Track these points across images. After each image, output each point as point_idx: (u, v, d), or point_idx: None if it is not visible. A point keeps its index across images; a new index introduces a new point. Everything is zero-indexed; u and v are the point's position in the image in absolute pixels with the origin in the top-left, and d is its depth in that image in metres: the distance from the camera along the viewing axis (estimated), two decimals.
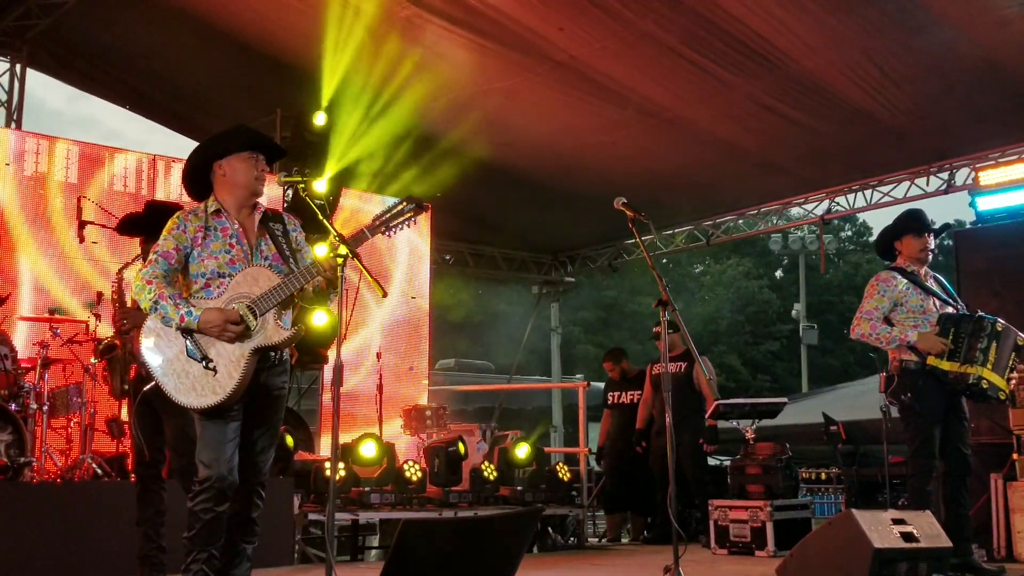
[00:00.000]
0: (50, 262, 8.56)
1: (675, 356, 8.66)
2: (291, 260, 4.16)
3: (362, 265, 4.05)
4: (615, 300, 31.85)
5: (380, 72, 9.38)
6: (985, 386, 5.47)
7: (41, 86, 30.18)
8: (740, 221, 12.49)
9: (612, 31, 8.14)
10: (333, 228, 4.23)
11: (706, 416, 8.35)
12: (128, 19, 9.36)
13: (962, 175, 10.21)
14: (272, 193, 8.91)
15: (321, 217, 4.46)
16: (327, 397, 10.00)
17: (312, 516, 7.13)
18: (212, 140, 4.29)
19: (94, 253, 8.65)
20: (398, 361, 10.48)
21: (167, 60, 10.03)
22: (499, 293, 28.29)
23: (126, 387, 5.34)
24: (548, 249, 14.25)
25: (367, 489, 7.44)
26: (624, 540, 9.63)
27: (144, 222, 5.46)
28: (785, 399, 9.27)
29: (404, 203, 4.19)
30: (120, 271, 5.58)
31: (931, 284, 5.84)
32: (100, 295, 7.50)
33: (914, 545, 4.69)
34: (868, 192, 11.00)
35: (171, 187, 9.30)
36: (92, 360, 7.28)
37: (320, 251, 5.09)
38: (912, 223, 5.93)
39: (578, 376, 21.34)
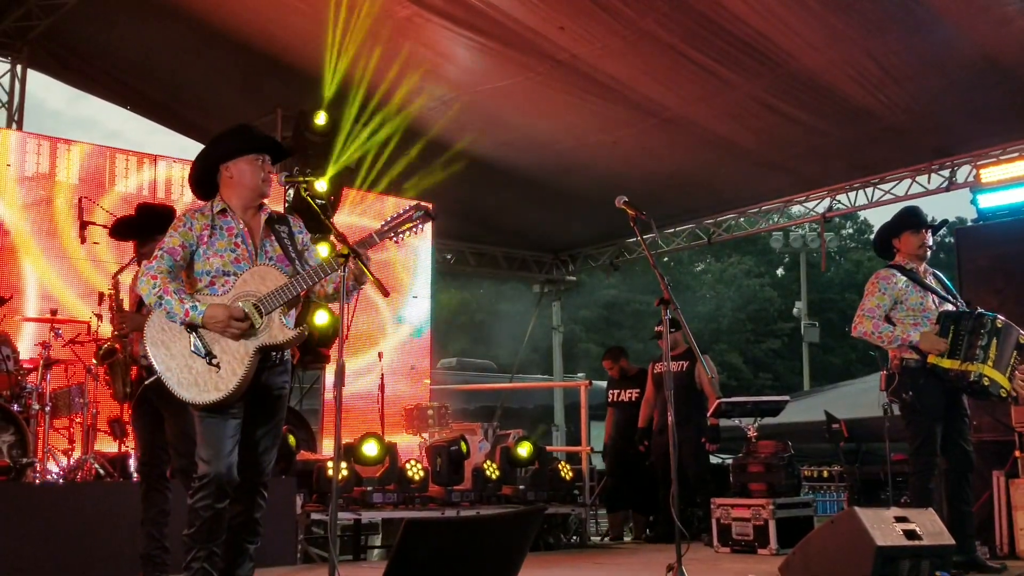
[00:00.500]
0: (52, 263, 8.56)
1: (677, 355, 8.66)
2: (296, 261, 4.17)
3: (365, 265, 4.06)
4: (616, 299, 31.85)
5: (380, 71, 9.38)
6: (986, 383, 5.46)
7: (41, 87, 30.20)
8: (741, 219, 12.49)
9: (613, 30, 8.14)
10: (334, 227, 4.25)
11: (708, 414, 8.35)
12: (128, 19, 9.37)
13: (963, 172, 10.21)
14: (273, 192, 8.90)
15: (323, 216, 4.47)
16: (329, 396, 10.01)
17: (314, 516, 7.14)
18: (218, 141, 4.29)
19: (96, 254, 8.66)
20: (400, 360, 10.49)
21: (167, 60, 10.03)
22: (500, 292, 28.31)
23: (128, 390, 5.35)
24: (549, 248, 14.26)
25: (369, 488, 7.44)
26: (626, 539, 9.63)
27: (136, 224, 5.46)
28: (787, 397, 9.28)
29: (413, 209, 4.20)
30: (116, 275, 5.58)
31: (930, 281, 5.84)
32: (102, 295, 7.51)
33: (917, 543, 4.70)
34: (869, 190, 10.99)
35: (172, 187, 9.32)
36: (94, 361, 7.30)
37: (322, 251, 5.12)
38: (910, 220, 5.93)
39: (580, 375, 21.34)
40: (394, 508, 7.54)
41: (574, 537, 8.97)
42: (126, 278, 5.65)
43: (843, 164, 10.54)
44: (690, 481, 8.33)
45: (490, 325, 26.00)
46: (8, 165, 8.43)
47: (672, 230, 12.92)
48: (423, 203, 4.28)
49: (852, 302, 32.92)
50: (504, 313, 27.18)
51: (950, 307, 5.73)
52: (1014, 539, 6.73)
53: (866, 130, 9.50)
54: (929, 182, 10.50)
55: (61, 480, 6.79)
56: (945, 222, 6.27)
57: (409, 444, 9.17)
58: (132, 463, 7.26)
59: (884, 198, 10.93)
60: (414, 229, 4.20)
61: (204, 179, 4.26)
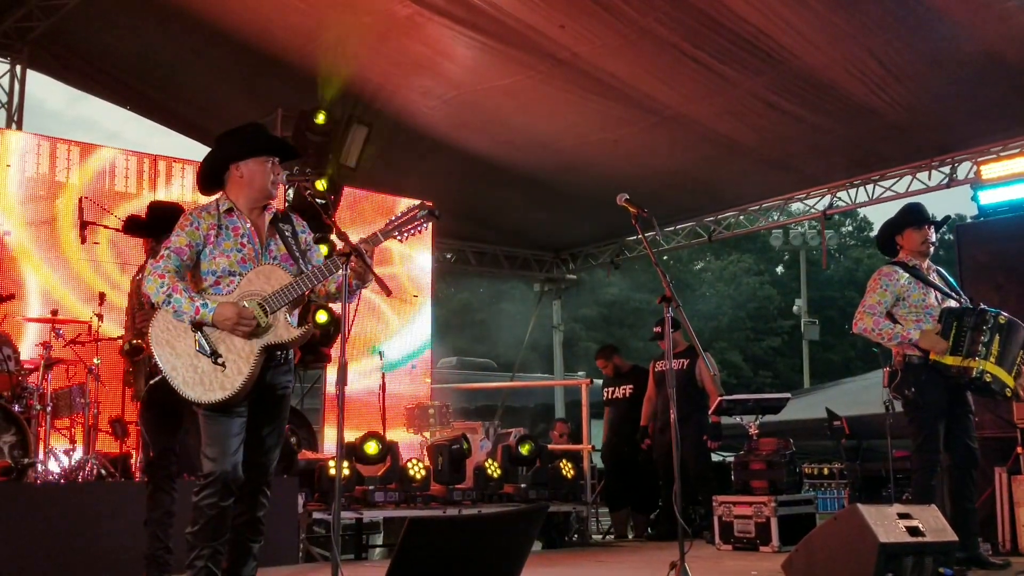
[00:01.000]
0: (52, 263, 8.56)
1: (678, 353, 8.66)
2: (300, 260, 4.19)
3: (367, 264, 4.06)
4: (617, 297, 31.86)
5: (381, 70, 9.38)
6: (988, 379, 5.45)
7: (40, 88, 30.18)
8: (742, 217, 12.49)
9: (614, 28, 8.13)
10: (336, 226, 4.25)
11: (709, 412, 8.36)
12: (128, 20, 9.36)
13: (964, 169, 10.20)
14: None
15: (324, 215, 4.48)
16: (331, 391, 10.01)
17: (316, 515, 7.14)
18: (231, 139, 4.28)
19: (96, 254, 8.66)
20: (400, 359, 10.49)
21: (167, 60, 10.02)
22: (501, 291, 28.31)
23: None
24: (550, 247, 14.25)
25: (371, 488, 7.44)
26: (629, 536, 9.63)
27: (148, 223, 5.47)
28: (788, 394, 9.28)
29: (417, 209, 4.20)
30: (137, 274, 5.57)
31: (934, 278, 5.83)
32: (103, 296, 7.51)
33: (920, 539, 4.69)
34: (870, 187, 10.99)
35: (172, 187, 9.31)
36: (95, 360, 7.30)
37: (323, 249, 5.11)
38: (912, 216, 5.92)
39: (580, 373, 21.35)
40: (396, 507, 7.54)
41: (575, 535, 8.97)
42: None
43: (844, 161, 10.54)
44: (692, 479, 8.34)
45: (491, 324, 26.01)
46: (8, 166, 8.42)
47: (672, 228, 12.91)
48: (426, 202, 4.27)
49: (852, 299, 32.95)
50: (505, 312, 27.19)
51: (953, 304, 5.72)
52: (1016, 535, 6.73)
53: (867, 127, 9.49)
54: (930, 179, 10.49)
55: (62, 480, 6.78)
56: (948, 218, 6.25)
57: (410, 443, 9.17)
58: (134, 463, 7.27)
59: (885, 195, 10.92)
60: (418, 228, 4.20)
61: (212, 176, 4.27)
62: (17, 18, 9.36)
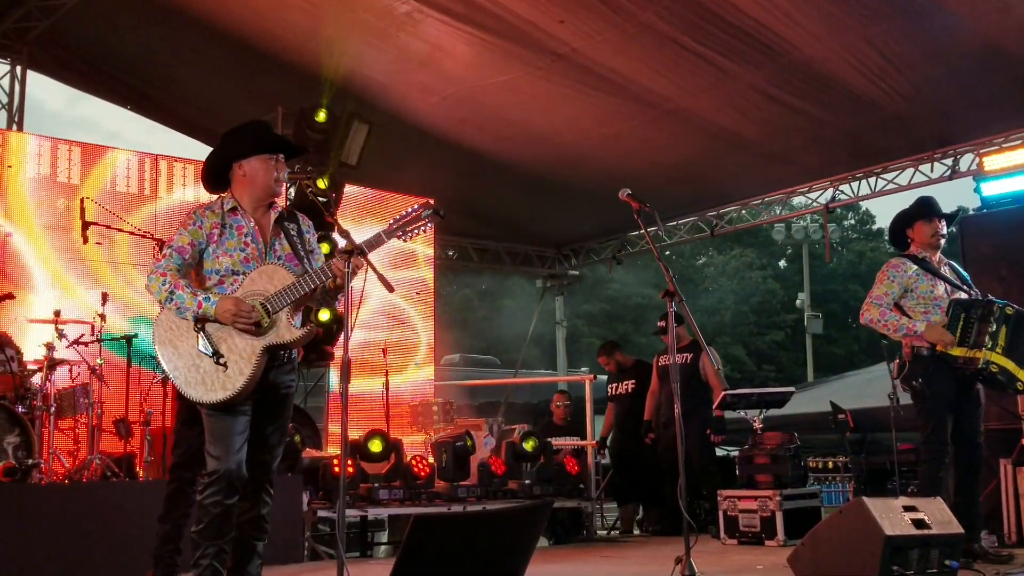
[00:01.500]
0: (55, 264, 8.56)
1: (681, 347, 8.66)
2: (305, 260, 4.17)
3: (369, 262, 4.05)
4: (619, 293, 31.87)
5: (381, 67, 9.37)
6: (995, 370, 5.44)
7: (40, 88, 30.20)
8: (744, 211, 12.47)
9: (613, 23, 8.11)
10: (338, 224, 4.24)
11: (713, 407, 8.35)
12: (128, 20, 9.35)
13: (966, 161, 10.17)
14: None
15: (326, 214, 4.47)
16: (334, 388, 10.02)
17: (321, 513, 7.14)
18: (232, 138, 4.28)
19: (98, 254, 8.65)
20: (403, 357, 10.49)
21: (167, 60, 10.01)
22: (503, 288, 28.31)
23: None
24: (552, 243, 14.24)
25: (375, 485, 7.45)
26: (635, 532, 9.64)
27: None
28: (792, 388, 9.27)
29: (421, 208, 4.19)
30: None
31: (945, 271, 5.82)
32: (105, 296, 7.51)
33: (925, 532, 4.68)
34: (872, 180, 10.96)
35: (173, 187, 9.31)
36: (98, 361, 7.30)
37: (325, 248, 5.12)
38: (922, 209, 5.92)
39: (583, 369, 21.33)
40: (400, 504, 7.54)
41: (581, 531, 8.97)
42: None
43: (845, 154, 10.52)
44: (696, 473, 8.33)
45: (493, 320, 26.01)
46: (9, 167, 8.42)
47: (674, 223, 12.90)
48: (430, 201, 4.26)
49: (855, 293, 32.98)
50: (507, 308, 27.19)
51: (963, 296, 5.71)
52: (1021, 527, 6.72)
53: (868, 119, 9.47)
54: (932, 171, 10.47)
55: (67, 481, 6.79)
56: (959, 212, 6.24)
57: (414, 440, 9.17)
58: (138, 463, 7.28)
59: (887, 188, 10.90)
60: (422, 228, 4.19)
61: (216, 174, 4.27)
62: (16, 18, 9.35)
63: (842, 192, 11.33)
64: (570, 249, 14.40)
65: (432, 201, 4.29)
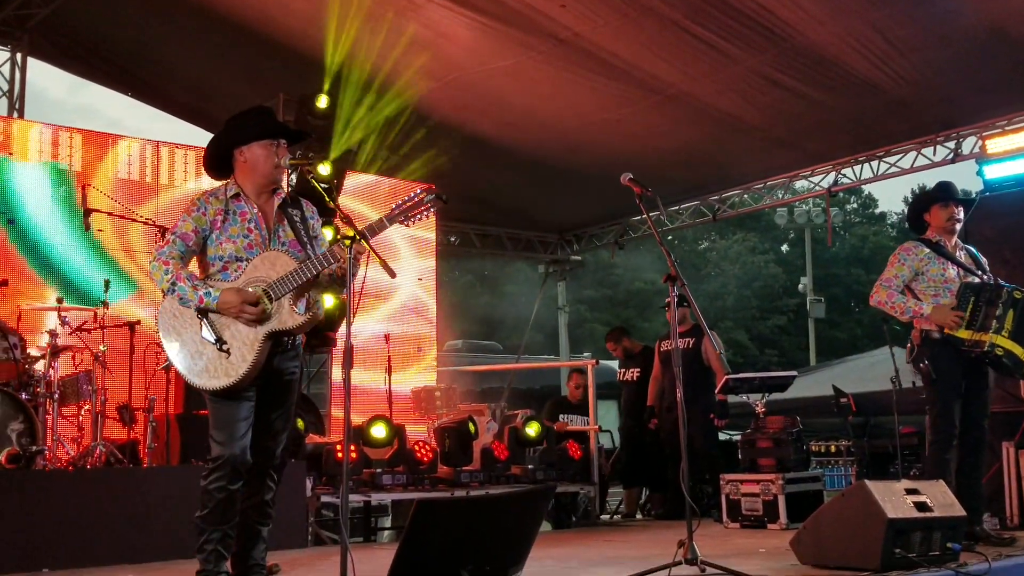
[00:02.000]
0: (57, 251, 8.56)
1: (683, 332, 8.66)
2: (308, 246, 4.17)
3: (371, 247, 4.05)
4: (621, 278, 31.85)
5: (382, 53, 9.34)
6: (1000, 353, 5.47)
7: (41, 76, 30.15)
8: (746, 195, 12.45)
9: (615, 7, 8.08)
10: (340, 210, 4.24)
11: (716, 391, 8.36)
12: (129, 6, 9.33)
13: (969, 144, 10.16)
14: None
15: (328, 199, 4.46)
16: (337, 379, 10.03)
17: (325, 498, 7.15)
18: (234, 124, 4.27)
19: (100, 241, 8.65)
20: (406, 343, 10.49)
21: (168, 46, 9.99)
22: (505, 273, 28.30)
23: None
24: (554, 228, 14.23)
25: (378, 470, 7.46)
26: (638, 516, 9.66)
27: None
28: (795, 372, 9.28)
29: (424, 193, 4.18)
30: None
31: (960, 256, 5.85)
32: (107, 283, 7.51)
33: (928, 515, 4.69)
34: (875, 163, 10.95)
35: (175, 174, 9.30)
36: (101, 347, 7.31)
37: (327, 234, 5.12)
38: (938, 193, 5.95)
39: (586, 354, 21.34)
40: (403, 490, 7.56)
41: (584, 515, 9.00)
42: None
43: (848, 138, 10.50)
44: (699, 457, 8.34)
45: (496, 306, 26.01)
46: (11, 154, 8.42)
47: (677, 207, 12.89)
48: (432, 186, 4.25)
49: (858, 277, 32.98)
50: (509, 294, 27.19)
51: (975, 280, 5.72)
52: None
53: (871, 103, 9.44)
54: (935, 154, 10.45)
55: (71, 467, 6.80)
56: (977, 197, 6.23)
57: (417, 426, 9.19)
58: (142, 449, 7.30)
59: (890, 171, 10.89)
60: (424, 213, 4.19)
61: (218, 160, 4.26)
62: (17, 5, 9.33)
63: (844, 176, 11.31)
64: (572, 234, 14.39)
65: (434, 187, 4.28)
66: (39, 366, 7.00)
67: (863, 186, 15.04)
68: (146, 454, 7.20)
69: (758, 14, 8.00)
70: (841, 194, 11.92)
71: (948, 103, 9.54)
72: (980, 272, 5.82)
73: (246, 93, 9.93)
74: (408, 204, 4.18)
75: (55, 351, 7.05)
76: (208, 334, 3.94)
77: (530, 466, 8.40)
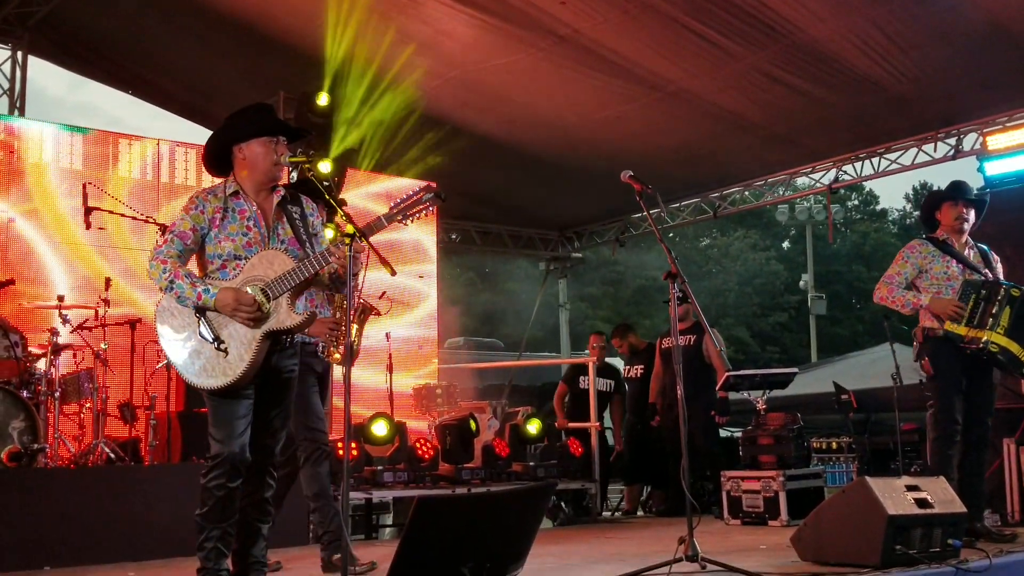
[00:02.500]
0: (58, 249, 8.57)
1: (684, 329, 8.65)
2: (307, 244, 4.16)
3: (371, 245, 4.05)
4: (622, 275, 31.83)
5: (382, 51, 9.33)
6: (995, 350, 5.50)
7: (41, 74, 30.10)
8: (747, 192, 12.44)
9: (615, 4, 8.08)
10: (341, 208, 4.23)
11: (717, 388, 8.36)
12: (128, 4, 9.32)
13: (969, 140, 10.15)
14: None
15: (328, 197, 4.46)
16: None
17: None
18: (233, 121, 4.26)
19: (101, 239, 8.66)
20: (407, 340, 10.49)
21: (168, 44, 9.99)
22: (506, 271, 28.30)
23: None
24: (555, 225, 14.23)
25: (379, 468, 7.46)
26: (639, 513, 9.66)
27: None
28: (795, 369, 9.28)
29: (422, 191, 4.18)
30: None
31: (970, 255, 5.87)
32: (108, 281, 7.52)
33: (928, 511, 4.69)
34: (875, 160, 10.94)
35: (175, 172, 9.31)
36: (102, 345, 7.32)
37: (327, 233, 5.14)
38: (949, 192, 5.99)
39: (587, 352, 21.33)
40: (404, 487, 7.56)
41: (585, 512, 9.00)
42: None
43: (849, 135, 10.49)
44: (700, 454, 8.34)
45: (497, 303, 26.00)
46: (12, 152, 8.42)
47: (677, 204, 12.88)
48: (431, 184, 4.25)
49: (859, 274, 32.97)
50: (510, 291, 27.18)
51: (978, 277, 5.74)
52: None
53: (872, 100, 9.44)
54: (935, 151, 10.44)
55: (72, 465, 6.81)
56: (987, 198, 6.24)
57: (418, 423, 9.19)
58: (143, 447, 7.31)
59: (891, 168, 10.88)
60: (423, 211, 4.18)
61: (218, 158, 4.25)
62: (17, 3, 9.34)
63: (845, 173, 11.30)
64: (573, 232, 14.39)
65: (434, 184, 4.28)
66: (40, 364, 7.00)
67: (864, 183, 14.98)
68: (147, 452, 7.21)
69: (759, 11, 8.00)
70: (842, 191, 11.91)
71: (949, 100, 9.53)
72: (988, 270, 5.83)
73: (246, 91, 9.92)
74: (407, 202, 4.18)
75: (56, 349, 7.06)
76: (206, 333, 3.94)
77: (531, 463, 8.40)
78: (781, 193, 12.51)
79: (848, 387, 10.20)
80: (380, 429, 7.70)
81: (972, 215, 5.93)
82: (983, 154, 8.56)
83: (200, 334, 3.95)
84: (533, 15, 8.37)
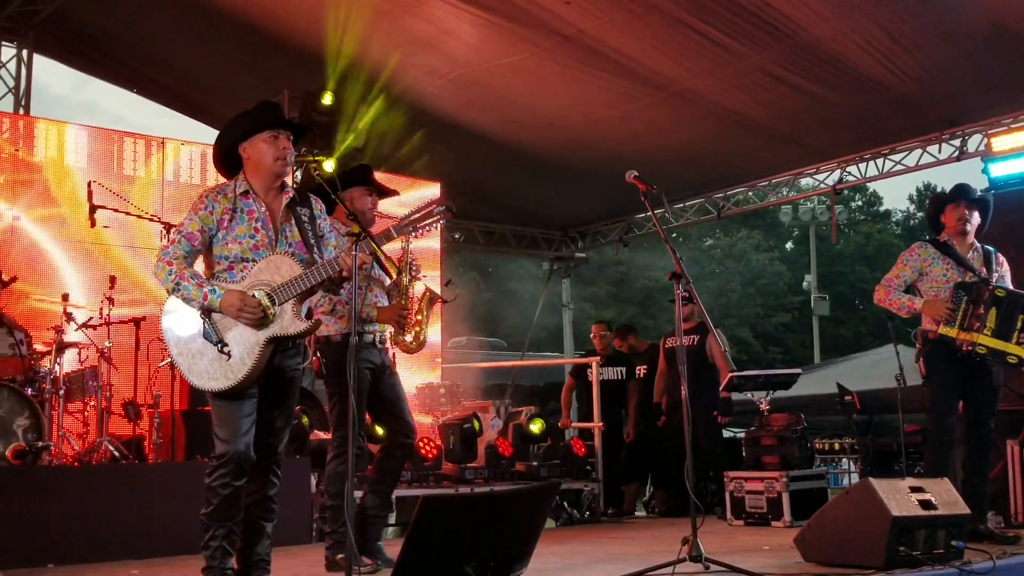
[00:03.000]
0: (62, 248, 8.58)
1: (688, 329, 8.66)
2: (315, 248, 4.15)
3: (376, 246, 4.05)
4: (625, 275, 31.82)
5: (386, 50, 9.34)
6: (983, 351, 5.55)
7: (45, 72, 30.09)
8: (751, 193, 12.44)
9: (619, 3, 8.08)
10: (346, 207, 4.23)
11: (720, 388, 8.36)
12: (133, 2, 9.33)
13: (974, 142, 10.14)
14: None
15: (334, 197, 4.46)
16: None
17: None
18: (234, 122, 4.26)
19: (105, 237, 8.67)
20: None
21: (173, 43, 10.00)
22: (510, 270, 28.30)
23: None
24: (558, 225, 14.23)
25: None
26: (637, 513, 9.65)
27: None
28: (799, 370, 9.27)
29: (433, 204, 4.20)
30: None
31: (971, 256, 5.89)
32: (113, 279, 7.53)
33: (932, 513, 4.69)
34: (879, 161, 10.93)
35: (180, 170, 9.32)
36: (107, 343, 7.33)
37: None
38: (950, 195, 6.04)
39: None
40: (408, 486, 7.56)
41: (587, 512, 9.00)
42: None
43: (853, 135, 10.48)
44: (703, 455, 8.35)
45: (500, 303, 26.00)
46: (17, 150, 8.44)
47: (681, 205, 12.87)
48: (444, 200, 4.27)
49: (862, 274, 32.93)
50: (514, 291, 27.18)
51: (969, 280, 5.76)
52: None
53: (876, 100, 9.43)
54: (940, 152, 10.44)
55: (76, 463, 6.82)
56: (989, 198, 6.24)
57: (422, 423, 9.20)
58: (147, 445, 7.32)
59: (895, 169, 10.87)
60: (433, 225, 4.20)
61: (227, 162, 4.26)
62: (21, 2, 9.35)
63: (849, 173, 11.30)
64: (577, 232, 14.39)
65: (446, 200, 4.29)
66: (45, 362, 7.02)
67: (868, 183, 15.02)
68: (151, 450, 7.22)
69: (763, 11, 7.99)
70: (846, 191, 11.90)
71: (953, 101, 9.52)
72: (989, 272, 5.83)
73: (250, 89, 9.92)
74: (417, 216, 4.19)
75: (61, 347, 7.07)
76: (210, 334, 3.94)
77: (534, 463, 8.40)
78: (785, 194, 12.50)
79: (851, 388, 10.19)
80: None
81: (976, 216, 5.95)
82: (987, 155, 8.54)
83: (204, 335, 3.95)
84: (537, 15, 8.37)
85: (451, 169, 10.34)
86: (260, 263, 4.05)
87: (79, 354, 7.43)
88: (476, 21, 8.63)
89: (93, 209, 7.61)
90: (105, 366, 7.28)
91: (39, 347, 7.14)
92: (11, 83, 9.76)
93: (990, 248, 6.02)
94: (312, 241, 4.16)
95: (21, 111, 9.63)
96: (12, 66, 9.79)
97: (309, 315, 4.17)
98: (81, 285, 8.47)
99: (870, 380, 10.93)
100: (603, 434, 9.09)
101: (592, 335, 9.99)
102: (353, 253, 3.97)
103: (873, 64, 8.69)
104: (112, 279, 7.51)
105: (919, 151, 10.59)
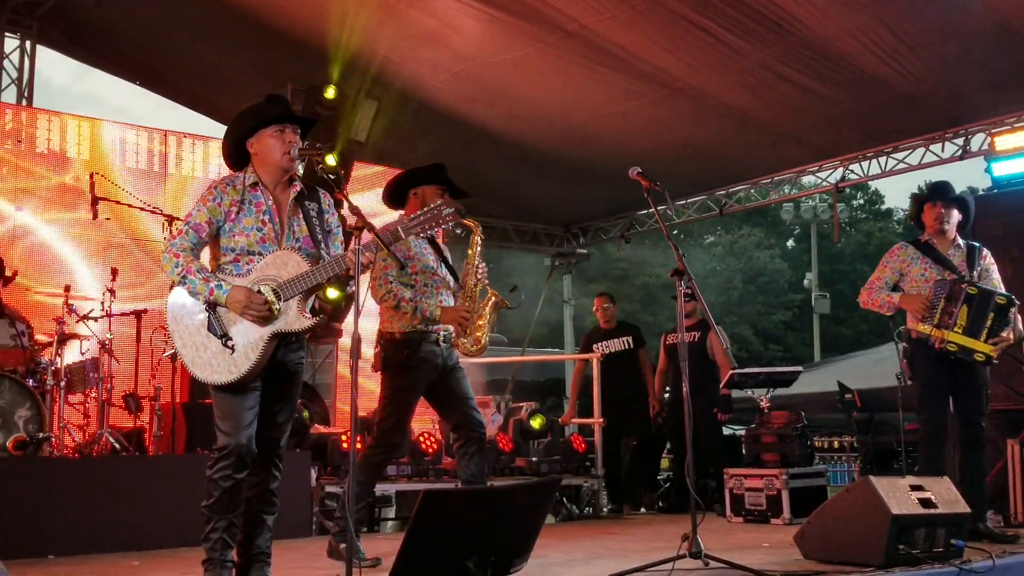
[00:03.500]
0: (64, 239, 8.58)
1: (690, 326, 8.66)
2: (322, 244, 4.15)
3: (379, 240, 4.05)
4: (627, 272, 31.81)
5: (389, 44, 9.33)
6: (953, 348, 5.61)
7: (48, 64, 30.09)
8: (753, 190, 12.43)
9: None
10: (349, 201, 4.23)
11: (720, 385, 8.37)
12: None
13: (977, 141, 10.11)
14: None
15: (337, 190, 4.46)
16: (342, 370, 10.06)
17: (329, 488, 7.17)
18: (240, 117, 4.26)
19: (107, 229, 8.67)
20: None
21: (176, 35, 9.98)
22: (511, 266, 28.28)
23: None
24: (560, 221, 14.22)
25: None
26: (641, 509, 9.66)
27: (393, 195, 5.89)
28: (799, 367, 9.28)
29: (442, 206, 4.19)
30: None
31: (952, 253, 5.89)
32: (115, 271, 7.53)
33: (932, 511, 4.70)
34: (882, 159, 10.91)
35: (182, 162, 9.32)
36: (108, 335, 7.33)
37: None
38: (927, 194, 6.09)
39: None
40: (408, 480, 7.59)
41: (587, 508, 9.02)
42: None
43: (856, 134, 10.46)
44: (703, 452, 8.35)
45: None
46: (19, 142, 8.44)
47: (683, 202, 12.85)
48: (454, 202, 4.26)
49: (864, 273, 32.83)
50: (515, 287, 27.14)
51: (947, 279, 5.79)
52: None
53: (879, 99, 9.41)
54: (943, 151, 10.41)
55: (77, 455, 6.83)
56: (967, 195, 6.28)
57: (422, 417, 9.19)
58: (147, 437, 7.33)
59: (897, 167, 10.85)
60: (441, 227, 4.20)
61: (236, 157, 4.26)
62: None
63: (852, 172, 11.28)
64: (578, 228, 14.38)
65: (456, 204, 4.28)
66: (47, 354, 7.03)
67: (870, 182, 15.02)
68: (152, 442, 7.24)
69: (766, 7, 7.97)
70: (848, 190, 11.89)
71: (957, 99, 9.50)
72: (971, 269, 5.85)
73: (254, 82, 9.92)
74: (426, 217, 4.19)
75: (62, 339, 7.08)
76: (215, 328, 3.95)
77: (534, 459, 8.41)
78: (787, 191, 12.49)
79: (852, 386, 10.19)
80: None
81: (955, 214, 5.97)
82: (991, 155, 8.55)
83: (208, 328, 3.96)
84: (540, 10, 8.35)
85: (453, 164, 10.26)
86: (267, 258, 4.05)
87: (80, 346, 7.43)
88: (479, 16, 8.61)
89: (95, 201, 7.62)
90: (106, 358, 7.29)
91: (41, 338, 7.14)
92: (15, 74, 9.76)
93: (975, 244, 6.03)
94: (319, 236, 4.16)
95: (24, 102, 9.63)
96: (15, 57, 9.79)
97: (314, 311, 4.18)
98: (83, 277, 8.48)
99: (871, 378, 10.93)
100: (608, 420, 8.97)
101: (595, 308, 9.84)
102: (356, 248, 3.97)
103: (876, 62, 8.67)
104: (114, 271, 7.51)
105: (922, 150, 10.57)
